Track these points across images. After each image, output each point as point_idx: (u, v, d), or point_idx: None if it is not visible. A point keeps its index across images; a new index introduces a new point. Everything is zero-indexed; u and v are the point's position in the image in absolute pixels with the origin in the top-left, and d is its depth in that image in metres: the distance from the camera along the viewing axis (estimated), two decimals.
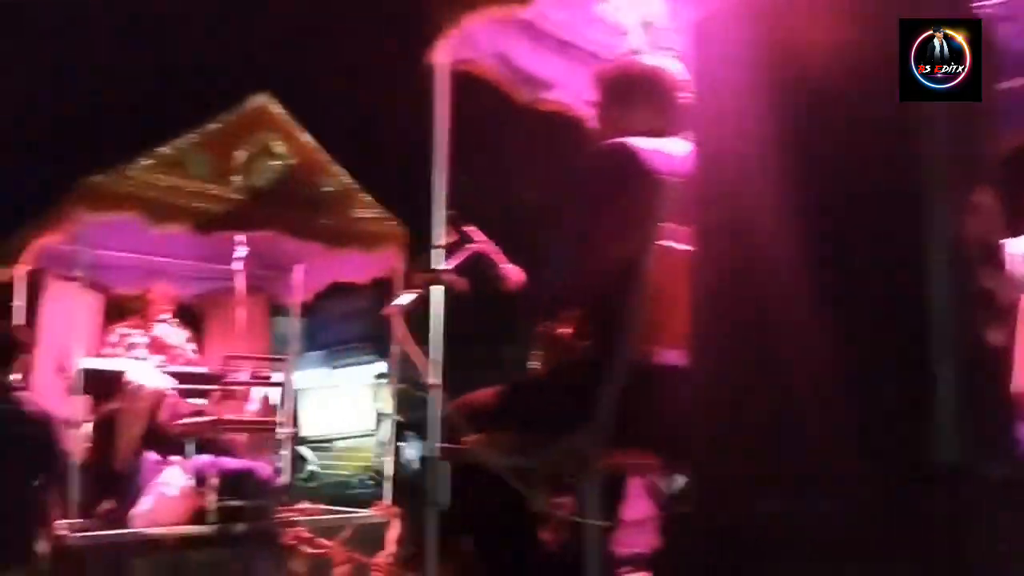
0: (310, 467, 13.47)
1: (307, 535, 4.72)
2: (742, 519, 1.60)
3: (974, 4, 1.60)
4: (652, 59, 2.37)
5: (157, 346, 5.68)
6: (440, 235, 2.44)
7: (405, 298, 2.25)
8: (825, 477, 1.49)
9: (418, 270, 2.32)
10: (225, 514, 4.52)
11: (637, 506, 2.43)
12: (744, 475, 1.61)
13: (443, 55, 2.53)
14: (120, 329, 5.69)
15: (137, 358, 5.46)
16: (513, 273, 2.43)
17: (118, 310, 5.93)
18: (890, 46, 1.47)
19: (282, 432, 5.16)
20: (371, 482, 11.91)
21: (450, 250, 2.43)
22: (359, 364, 16.80)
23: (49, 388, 4.90)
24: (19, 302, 5.52)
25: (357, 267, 5.94)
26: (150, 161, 4.88)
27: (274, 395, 5.18)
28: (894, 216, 1.47)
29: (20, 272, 5.52)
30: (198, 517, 4.51)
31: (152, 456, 4.76)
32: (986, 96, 1.52)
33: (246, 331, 5.82)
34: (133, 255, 5.86)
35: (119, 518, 4.51)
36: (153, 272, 5.98)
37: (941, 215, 1.43)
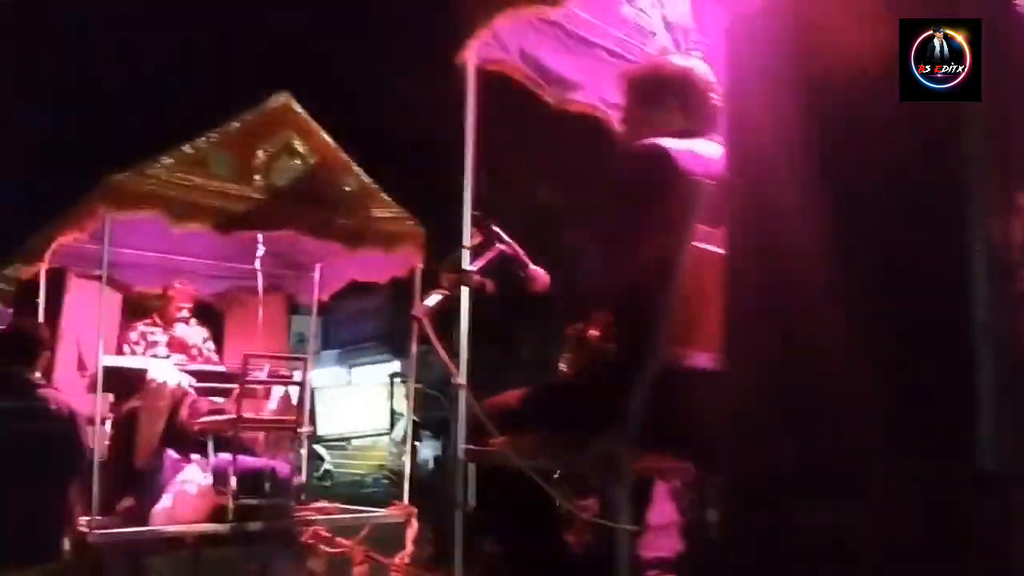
0: (325, 466, 13.51)
1: (325, 534, 4.74)
2: (776, 525, 1.59)
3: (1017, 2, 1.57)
4: (682, 60, 2.36)
5: (177, 344, 5.70)
6: (467, 236, 2.43)
7: (432, 299, 2.24)
8: (862, 482, 1.47)
9: (445, 271, 2.31)
10: (244, 512, 4.53)
11: (663, 510, 2.42)
12: (779, 480, 1.60)
13: (473, 55, 2.52)
14: (140, 327, 5.72)
15: (157, 356, 5.49)
16: (539, 274, 2.42)
17: (138, 308, 5.97)
18: None
19: (300, 431, 5.17)
20: (385, 481, 11.92)
21: (477, 251, 2.43)
22: (374, 363, 16.85)
23: (71, 385, 4.92)
24: (41, 300, 5.55)
25: (376, 267, 5.94)
26: (171, 160, 4.89)
27: (293, 394, 5.20)
28: (934, 218, 1.45)
29: (42, 270, 5.56)
30: (217, 515, 4.52)
31: (172, 454, 4.78)
32: None
33: (265, 330, 5.84)
34: (154, 254, 5.88)
35: (139, 515, 4.54)
36: (173, 270, 6.01)
37: (983, 217, 1.41)
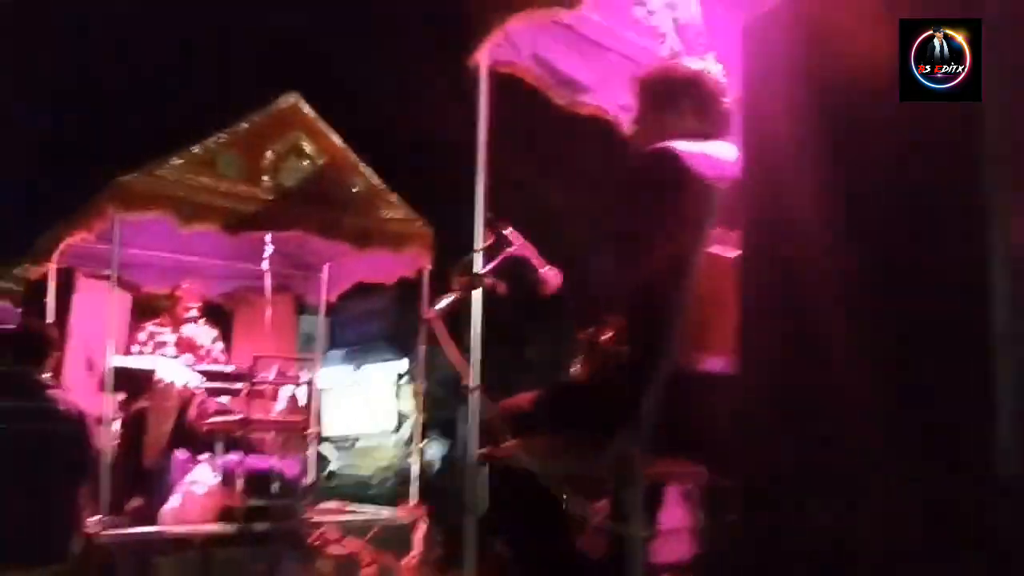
0: (331, 466, 13.50)
1: (334, 535, 4.74)
2: (776, 525, 1.58)
3: None
4: (694, 63, 2.35)
5: (185, 345, 5.71)
6: (480, 238, 2.43)
7: (444, 301, 2.24)
8: (863, 482, 1.46)
9: (457, 273, 2.31)
10: (252, 513, 4.54)
11: (675, 514, 2.41)
12: (779, 480, 1.59)
13: (485, 57, 2.52)
14: (149, 327, 5.73)
15: (165, 356, 5.50)
16: (552, 277, 2.42)
17: (147, 308, 5.98)
18: None
19: (308, 431, 5.18)
20: (389, 484, 11.91)
21: (489, 253, 2.42)
22: (380, 363, 16.83)
23: (79, 386, 4.93)
24: (50, 300, 5.56)
25: (384, 267, 5.95)
26: (180, 161, 4.91)
27: (301, 394, 5.20)
28: (952, 220, 1.44)
29: (51, 270, 5.57)
30: (226, 515, 4.53)
31: (181, 454, 4.79)
32: None
33: (273, 330, 5.85)
34: (162, 254, 5.90)
35: (148, 515, 4.55)
36: (182, 271, 6.02)
37: (1002, 219, 1.40)
